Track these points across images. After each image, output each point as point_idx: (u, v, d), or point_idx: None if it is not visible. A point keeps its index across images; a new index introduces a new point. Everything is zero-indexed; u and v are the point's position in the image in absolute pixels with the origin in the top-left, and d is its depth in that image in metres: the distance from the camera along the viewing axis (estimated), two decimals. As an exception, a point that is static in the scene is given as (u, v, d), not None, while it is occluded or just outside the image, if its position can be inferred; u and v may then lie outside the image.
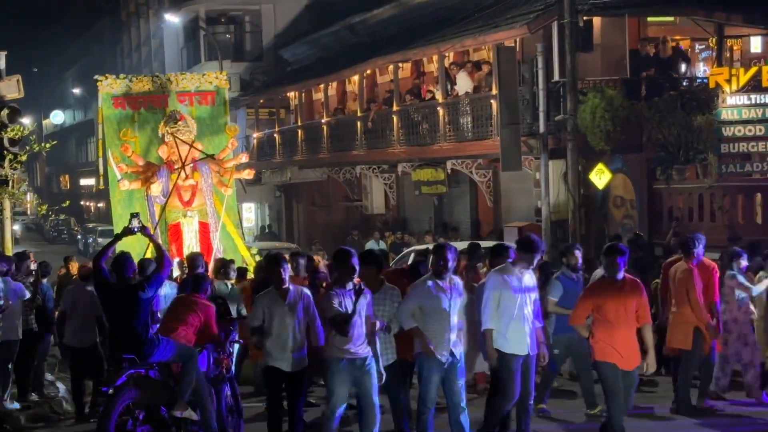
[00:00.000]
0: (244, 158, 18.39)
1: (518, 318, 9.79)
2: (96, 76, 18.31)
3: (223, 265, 14.19)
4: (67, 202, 39.03)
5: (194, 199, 17.23)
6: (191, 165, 17.09)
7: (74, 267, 17.14)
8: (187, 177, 16.96)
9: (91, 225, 57.27)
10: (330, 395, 9.44)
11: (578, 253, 11.79)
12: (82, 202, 75.91)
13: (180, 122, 17.04)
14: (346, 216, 33.64)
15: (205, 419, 9.91)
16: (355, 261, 9.33)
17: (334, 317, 9.16)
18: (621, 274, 9.54)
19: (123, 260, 9.75)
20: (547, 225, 20.80)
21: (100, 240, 46.45)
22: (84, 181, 76.21)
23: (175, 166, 17.12)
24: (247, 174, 18.19)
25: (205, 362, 10.22)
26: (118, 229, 10.95)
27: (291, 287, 9.75)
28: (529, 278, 9.97)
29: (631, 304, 9.53)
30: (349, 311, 9.12)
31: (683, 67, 21.81)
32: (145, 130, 17.83)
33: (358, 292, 9.20)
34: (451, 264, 9.61)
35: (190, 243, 17.17)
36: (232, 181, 17.58)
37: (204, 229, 17.27)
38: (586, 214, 20.82)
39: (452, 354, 9.64)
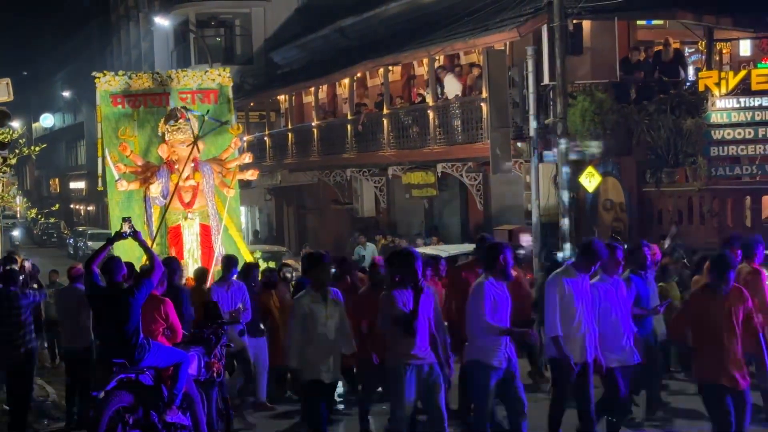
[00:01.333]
0: (247, 158, 17.33)
1: (578, 324, 9.44)
2: (93, 73, 17.53)
3: (247, 268, 13.77)
4: (57, 206, 38.94)
5: (195, 200, 16.41)
6: (192, 165, 16.32)
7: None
8: (188, 177, 16.18)
9: (81, 228, 57.16)
10: (396, 406, 9.03)
11: (647, 251, 11.25)
12: (71, 206, 75.82)
13: (181, 120, 16.23)
14: (337, 219, 33.63)
15: (196, 424, 9.89)
16: (419, 264, 9.03)
17: (398, 317, 8.87)
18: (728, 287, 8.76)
19: (113, 264, 9.71)
20: (537, 228, 20.82)
21: (90, 243, 46.29)
22: (74, 185, 76.12)
23: (176, 166, 16.26)
24: (251, 175, 17.44)
25: (196, 366, 10.21)
26: (119, 236, 10.71)
27: (331, 288, 9.75)
28: (587, 283, 9.60)
29: (737, 314, 8.75)
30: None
31: (682, 71, 21.84)
32: (144, 129, 17.09)
33: (417, 291, 8.88)
34: (510, 263, 9.22)
35: (191, 246, 16.42)
36: (235, 182, 16.83)
37: (205, 232, 16.48)
38: (576, 218, 20.85)
39: (509, 359, 9.24)
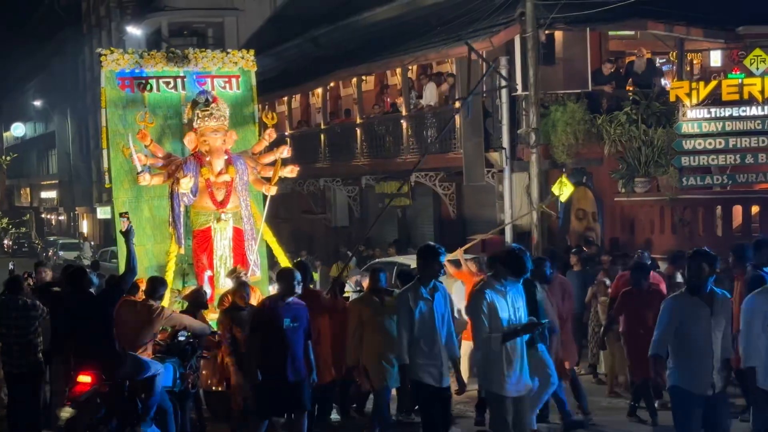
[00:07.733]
0: (286, 152, 14.79)
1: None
2: (99, 50, 15.18)
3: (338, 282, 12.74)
4: (28, 216, 38.76)
5: (229, 199, 13.94)
6: (225, 158, 14.01)
7: (48, 274, 14.49)
8: (221, 172, 13.94)
9: (52, 238, 56.89)
10: None
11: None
12: (43, 215, 75.40)
13: (213, 105, 13.91)
14: (311, 229, 33.59)
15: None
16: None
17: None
18: None
19: (82, 272, 9.69)
20: (510, 237, 20.89)
21: (61, 253, 46.13)
22: (45, 194, 75.70)
23: (207, 158, 13.86)
24: (290, 172, 15.06)
25: (171, 377, 10.18)
26: (121, 237, 10.01)
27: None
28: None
29: None
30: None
31: (653, 81, 21.97)
32: (156, 117, 14.58)
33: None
34: (708, 274, 8.01)
35: (223, 253, 13.92)
36: (277, 179, 14.41)
37: (238, 237, 14.05)
38: (548, 227, 20.95)
39: (713, 384, 7.88)
